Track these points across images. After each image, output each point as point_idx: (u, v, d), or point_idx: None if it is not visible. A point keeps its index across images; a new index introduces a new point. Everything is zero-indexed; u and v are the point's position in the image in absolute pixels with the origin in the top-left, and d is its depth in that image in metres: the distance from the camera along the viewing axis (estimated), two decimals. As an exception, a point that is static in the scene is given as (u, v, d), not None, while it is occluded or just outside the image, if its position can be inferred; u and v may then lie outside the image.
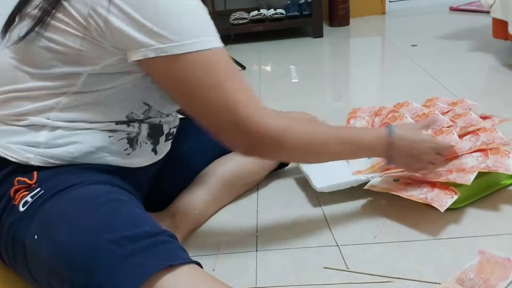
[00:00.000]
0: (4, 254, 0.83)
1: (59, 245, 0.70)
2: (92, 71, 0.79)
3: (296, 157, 0.93)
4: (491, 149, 1.13)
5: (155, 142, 0.95)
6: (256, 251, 1.06)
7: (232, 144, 0.86)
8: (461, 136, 1.18)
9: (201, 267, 0.75)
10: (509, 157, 1.09)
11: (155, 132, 0.94)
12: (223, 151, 1.23)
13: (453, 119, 1.25)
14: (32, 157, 0.81)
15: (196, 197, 1.13)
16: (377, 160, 1.20)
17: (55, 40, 0.78)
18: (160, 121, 0.94)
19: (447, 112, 1.30)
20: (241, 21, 2.94)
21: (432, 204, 1.03)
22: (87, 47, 0.77)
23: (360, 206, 1.18)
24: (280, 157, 0.89)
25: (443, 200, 1.03)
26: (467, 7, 3.23)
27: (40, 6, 0.78)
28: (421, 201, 1.06)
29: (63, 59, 0.79)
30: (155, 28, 0.73)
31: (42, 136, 0.81)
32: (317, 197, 1.23)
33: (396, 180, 1.16)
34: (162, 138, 0.97)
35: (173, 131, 1.01)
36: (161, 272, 0.68)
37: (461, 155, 1.15)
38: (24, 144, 0.81)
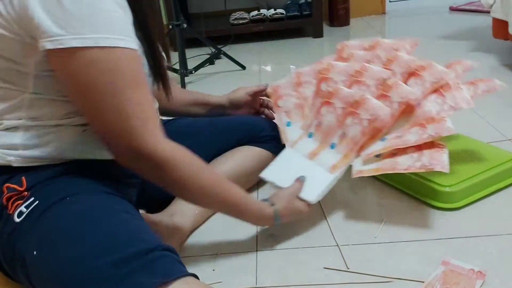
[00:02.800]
0: (3, 262, 0.83)
1: (58, 268, 0.71)
2: (31, 72, 0.77)
3: (175, 189, 0.87)
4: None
5: None
6: (256, 251, 1.06)
7: (117, 154, 0.81)
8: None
9: (198, 278, 0.75)
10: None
11: None
12: (220, 151, 1.23)
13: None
14: (13, 160, 0.81)
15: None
16: (347, 149, 1.11)
17: None
18: None
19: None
20: (241, 21, 2.95)
21: (436, 169, 0.98)
22: (15, 46, 0.75)
23: (360, 206, 1.18)
24: (161, 181, 0.84)
25: (440, 159, 0.98)
26: (467, 7, 3.24)
27: None
28: (423, 171, 1.00)
29: (3, 62, 0.78)
30: (55, 18, 0.69)
31: (18, 138, 0.81)
32: (317, 197, 1.23)
33: (377, 155, 1.08)
34: None
35: None
36: None
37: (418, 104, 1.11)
38: (3, 148, 0.81)
